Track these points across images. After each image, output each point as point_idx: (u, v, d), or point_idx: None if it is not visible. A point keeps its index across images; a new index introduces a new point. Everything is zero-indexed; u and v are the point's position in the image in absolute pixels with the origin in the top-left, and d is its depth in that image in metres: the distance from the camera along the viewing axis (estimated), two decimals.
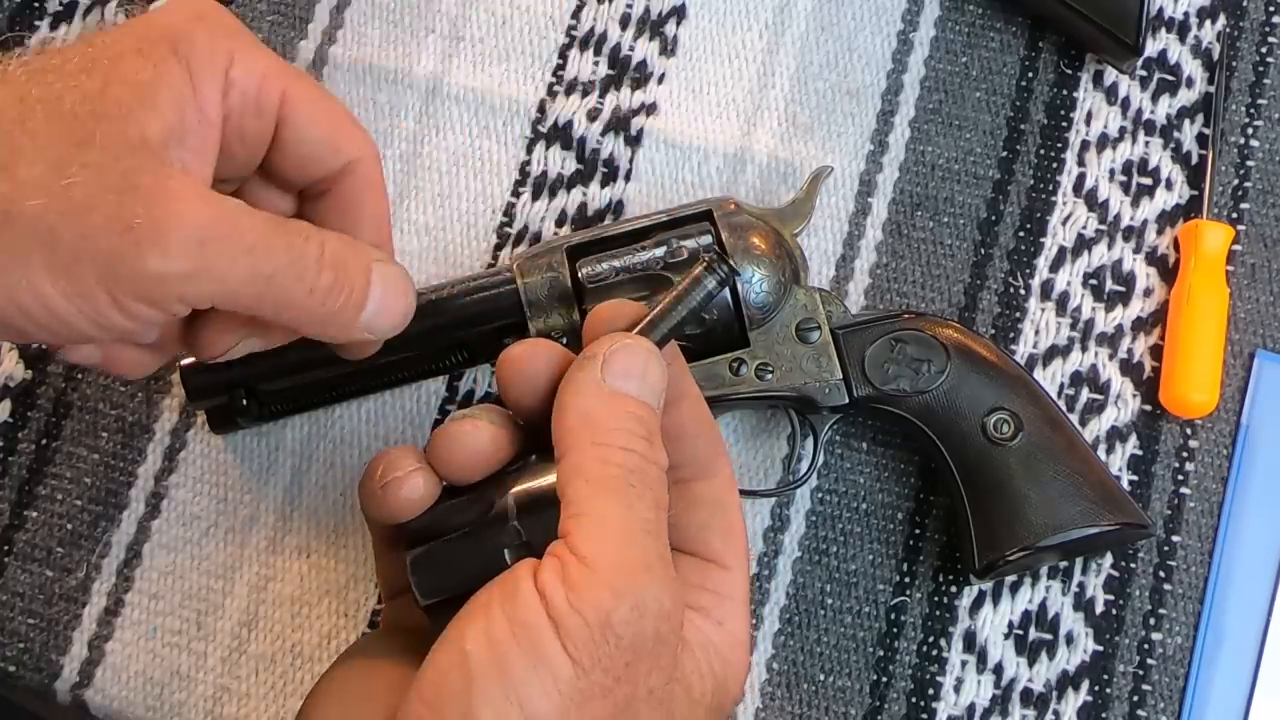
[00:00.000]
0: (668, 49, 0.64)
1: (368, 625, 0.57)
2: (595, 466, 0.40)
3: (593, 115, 0.63)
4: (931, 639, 0.56)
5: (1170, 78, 0.63)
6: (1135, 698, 0.55)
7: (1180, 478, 0.58)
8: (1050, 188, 0.62)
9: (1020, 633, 0.56)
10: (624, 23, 0.64)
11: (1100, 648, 0.56)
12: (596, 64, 0.64)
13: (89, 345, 0.45)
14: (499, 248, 0.61)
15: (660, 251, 0.54)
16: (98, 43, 0.42)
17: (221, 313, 0.44)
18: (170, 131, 0.41)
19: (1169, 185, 0.62)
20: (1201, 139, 0.62)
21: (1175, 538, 0.57)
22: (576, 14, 0.64)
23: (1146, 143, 0.62)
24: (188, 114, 0.41)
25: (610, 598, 0.38)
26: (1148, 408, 0.59)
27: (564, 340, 0.54)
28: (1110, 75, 0.63)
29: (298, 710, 0.44)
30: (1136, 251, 0.61)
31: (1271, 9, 0.64)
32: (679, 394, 0.44)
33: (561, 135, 0.63)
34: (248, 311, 0.43)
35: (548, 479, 0.41)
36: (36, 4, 0.65)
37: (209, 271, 0.40)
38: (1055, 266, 0.60)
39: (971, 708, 0.55)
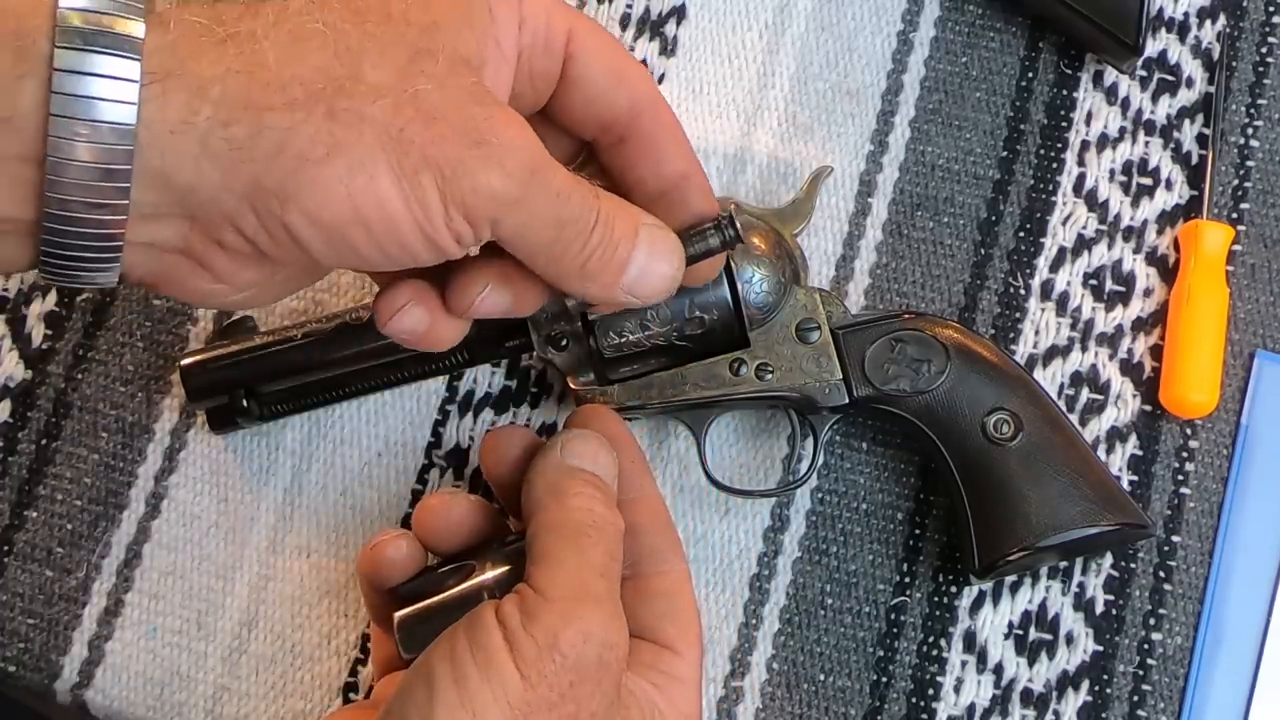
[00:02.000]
0: (668, 49, 0.64)
1: (368, 625, 0.57)
2: (556, 519, 0.46)
3: None
4: (931, 639, 0.56)
5: (1170, 78, 0.63)
6: (1135, 698, 0.55)
7: (1180, 478, 0.58)
8: (1050, 188, 0.62)
9: (1020, 633, 0.56)
10: (624, 23, 0.64)
11: (1100, 648, 0.56)
12: None
13: (418, 311, 0.45)
14: None
15: None
16: None
17: (477, 261, 0.45)
18: (483, 57, 0.41)
19: (1169, 185, 0.62)
20: (1201, 139, 0.62)
21: (1175, 538, 0.57)
22: None
23: (1146, 143, 0.62)
24: (489, 44, 0.42)
25: (559, 622, 0.42)
26: (1148, 408, 0.59)
27: (564, 342, 0.55)
28: (1110, 75, 0.63)
29: None
30: (1136, 251, 0.61)
31: (1271, 9, 0.64)
32: (637, 493, 0.50)
33: None
34: (530, 256, 0.43)
35: (520, 544, 0.47)
36: None
37: (530, 203, 0.41)
38: (1055, 266, 0.60)
39: (971, 708, 0.55)
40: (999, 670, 0.56)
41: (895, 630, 0.56)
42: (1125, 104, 0.63)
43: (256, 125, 0.38)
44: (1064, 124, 0.62)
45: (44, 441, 0.59)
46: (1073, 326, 0.60)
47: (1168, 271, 0.60)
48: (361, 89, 0.39)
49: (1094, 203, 0.61)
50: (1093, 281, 0.60)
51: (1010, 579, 0.57)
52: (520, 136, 0.41)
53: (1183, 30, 0.64)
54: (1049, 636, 0.56)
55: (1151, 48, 0.63)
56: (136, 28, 0.37)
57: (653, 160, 0.47)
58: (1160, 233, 0.61)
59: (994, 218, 0.61)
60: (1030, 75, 0.63)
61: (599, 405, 0.53)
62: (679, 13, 0.64)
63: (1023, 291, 0.60)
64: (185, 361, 0.55)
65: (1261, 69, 0.63)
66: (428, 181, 0.39)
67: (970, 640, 0.56)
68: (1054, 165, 0.62)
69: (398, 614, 0.47)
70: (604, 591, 0.44)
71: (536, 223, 0.42)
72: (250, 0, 0.40)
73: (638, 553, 0.48)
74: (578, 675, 0.42)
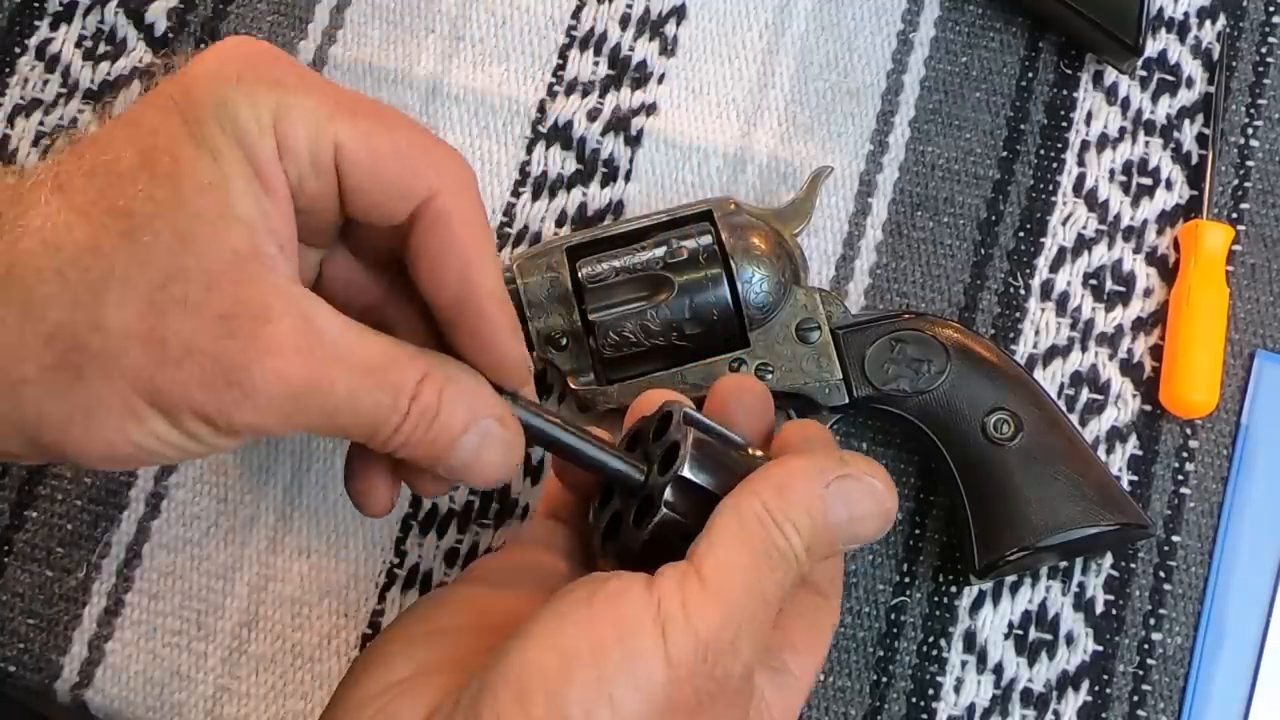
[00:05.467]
0: (668, 49, 0.64)
1: (368, 625, 0.57)
2: (753, 521, 0.41)
3: (593, 115, 0.63)
4: (931, 639, 0.56)
5: (1170, 78, 0.63)
6: (1135, 698, 0.55)
7: (1180, 478, 0.58)
8: (1050, 188, 0.62)
9: (1020, 633, 0.56)
10: (624, 23, 0.64)
11: (1100, 648, 0.56)
12: (596, 64, 0.64)
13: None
14: (499, 248, 0.61)
15: (660, 251, 0.54)
16: (144, 126, 0.39)
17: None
18: (254, 233, 0.38)
19: (1169, 185, 0.62)
20: (1201, 139, 0.62)
21: (1175, 538, 0.57)
22: (576, 14, 0.64)
23: (1146, 143, 0.62)
24: (261, 203, 0.39)
25: (719, 621, 0.38)
26: (1148, 408, 0.59)
27: (564, 341, 0.55)
28: (1110, 75, 0.63)
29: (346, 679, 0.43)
30: (1136, 251, 0.61)
31: (1271, 9, 0.64)
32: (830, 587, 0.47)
33: (561, 135, 0.63)
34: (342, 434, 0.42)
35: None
36: (36, 4, 0.65)
37: (298, 421, 0.39)
38: (1055, 266, 0.60)
39: (971, 708, 0.55)
40: (999, 670, 0.56)
41: (895, 630, 0.56)
42: (1125, 104, 0.63)
43: (14, 401, 0.38)
44: (1064, 124, 0.62)
45: None
46: (1073, 326, 0.60)
47: (1168, 271, 0.60)
48: (107, 342, 0.37)
49: (1094, 203, 0.61)
50: (1093, 281, 0.60)
51: (1010, 579, 0.57)
52: (285, 368, 0.38)
53: (1183, 30, 0.64)
54: (1049, 636, 0.56)
55: (1151, 48, 0.63)
56: None
57: (430, 281, 0.42)
58: (1160, 233, 0.61)
59: (994, 218, 0.61)
60: (1030, 75, 0.63)
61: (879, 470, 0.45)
62: (679, 13, 0.64)
63: (1023, 291, 0.60)
64: None
65: (1261, 69, 0.63)
66: (192, 421, 0.38)
67: (970, 640, 0.56)
68: (1054, 165, 0.62)
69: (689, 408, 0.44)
70: (763, 617, 0.40)
71: (320, 424, 0.40)
72: None
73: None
74: (720, 688, 0.39)
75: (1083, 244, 0.61)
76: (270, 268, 0.38)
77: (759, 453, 0.46)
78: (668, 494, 0.42)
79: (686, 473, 0.43)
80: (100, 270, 0.37)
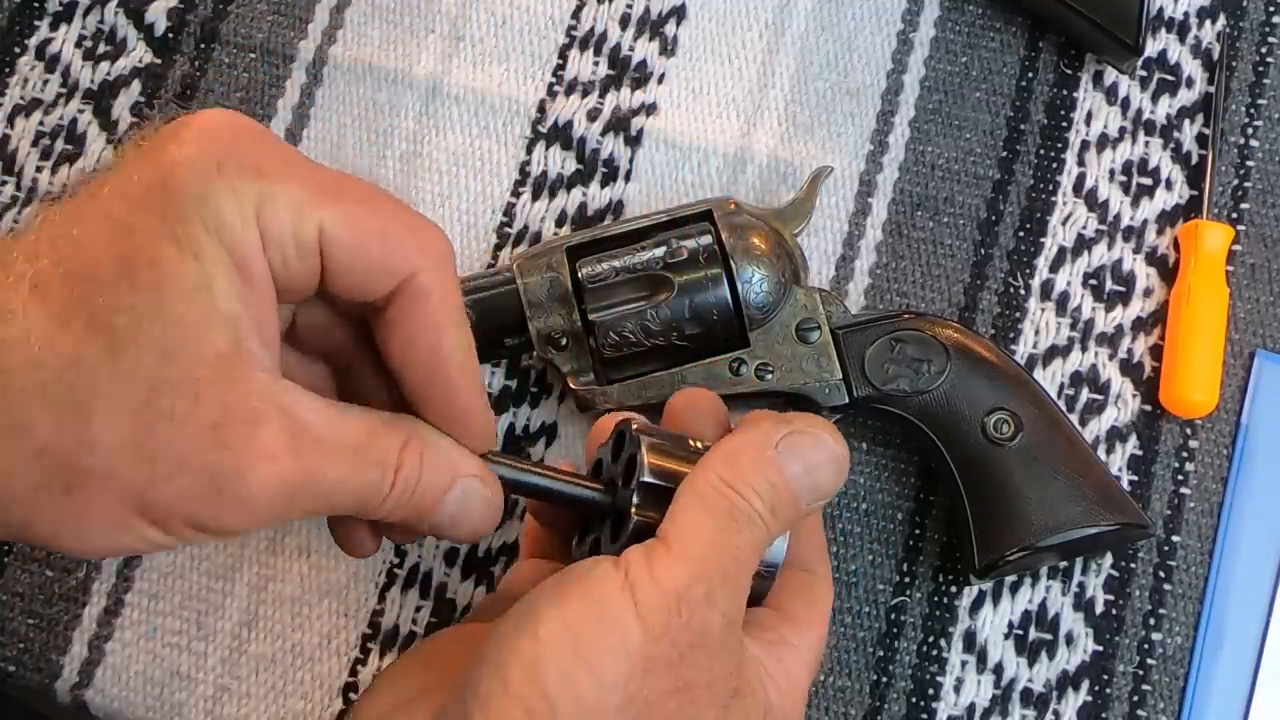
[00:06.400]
0: (668, 49, 0.64)
1: (368, 625, 0.57)
2: (710, 492, 0.42)
3: (593, 115, 0.63)
4: (931, 639, 0.56)
5: (1170, 78, 0.63)
6: (1135, 698, 0.55)
7: (1180, 478, 0.58)
8: (1050, 188, 0.62)
9: (1020, 633, 0.56)
10: (624, 23, 0.64)
11: (1100, 648, 0.56)
12: (596, 64, 0.64)
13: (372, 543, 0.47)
14: (499, 248, 0.61)
15: (660, 251, 0.54)
16: (122, 223, 0.38)
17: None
18: (237, 331, 0.38)
19: (1169, 185, 0.62)
20: (1201, 139, 0.62)
21: (1175, 538, 0.57)
22: (576, 14, 0.64)
23: (1146, 143, 0.62)
24: (244, 298, 0.39)
25: (687, 577, 0.39)
26: (1148, 408, 0.59)
27: (564, 341, 0.55)
28: (1110, 75, 0.63)
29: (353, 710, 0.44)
30: (1136, 251, 0.61)
31: (1271, 9, 0.64)
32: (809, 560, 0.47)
33: (561, 135, 0.63)
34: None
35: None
36: (36, 4, 0.65)
37: (292, 515, 0.40)
38: (1055, 266, 0.60)
39: (971, 708, 0.55)
40: (999, 670, 0.56)
41: (895, 630, 0.56)
42: (1125, 104, 0.63)
43: (2, 515, 0.38)
44: (1064, 124, 0.62)
45: None
46: (1073, 326, 0.60)
47: (1168, 271, 0.60)
48: (96, 459, 0.37)
49: (1094, 203, 0.61)
50: (1093, 281, 0.60)
51: (1010, 579, 0.57)
52: (275, 471, 0.38)
53: (1183, 30, 0.64)
54: (1049, 636, 0.56)
55: (1151, 48, 0.63)
56: None
57: (406, 345, 0.42)
58: (1160, 233, 0.61)
59: (994, 218, 0.61)
60: (1030, 75, 0.63)
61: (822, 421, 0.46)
62: (679, 13, 0.64)
63: (1023, 291, 0.60)
64: None
65: (1261, 69, 0.63)
66: (183, 528, 0.39)
67: (970, 640, 0.56)
68: (1054, 165, 0.62)
69: (630, 418, 0.45)
70: (734, 573, 0.41)
71: (312, 509, 0.40)
72: None
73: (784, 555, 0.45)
74: (700, 640, 0.39)
75: (1083, 244, 0.61)
76: (254, 365, 0.39)
77: None
78: (635, 501, 0.43)
79: (648, 478, 0.43)
80: (85, 387, 0.37)
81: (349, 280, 0.41)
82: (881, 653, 0.56)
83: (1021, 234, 0.61)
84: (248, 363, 0.39)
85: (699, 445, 0.46)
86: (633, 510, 0.43)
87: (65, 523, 0.38)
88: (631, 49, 0.64)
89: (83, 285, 0.37)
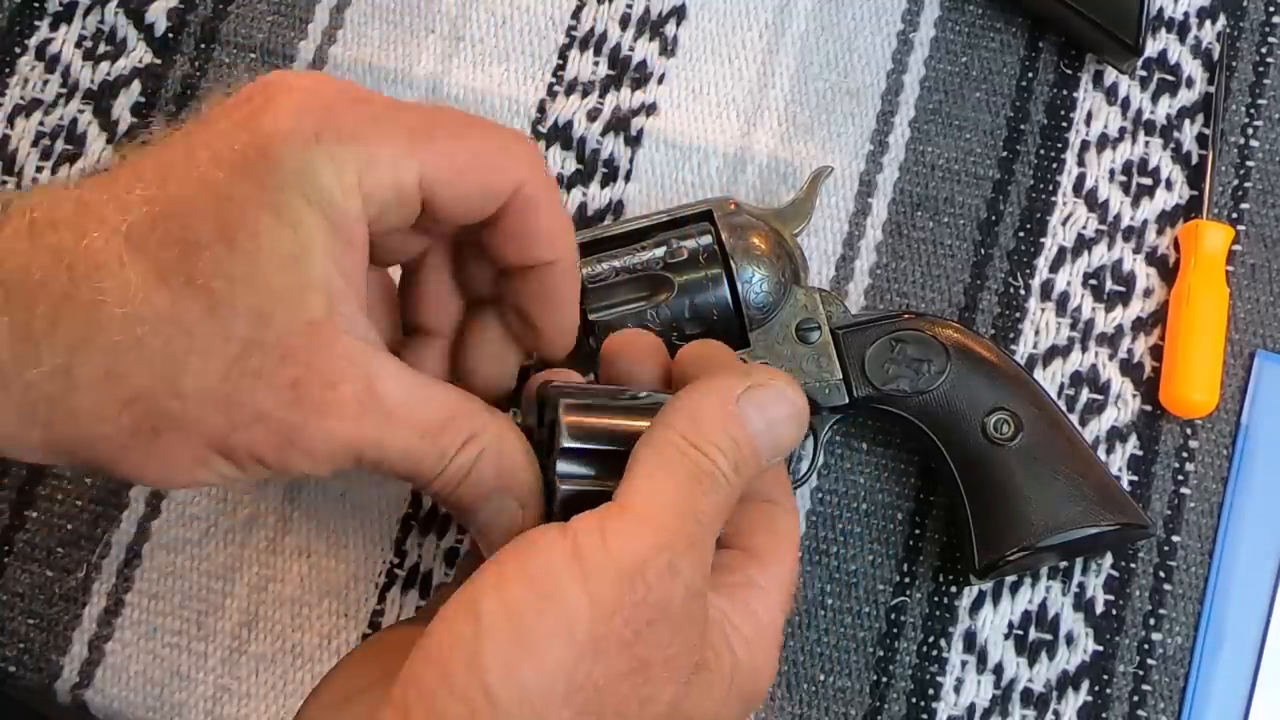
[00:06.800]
0: (668, 49, 0.64)
1: (368, 625, 0.57)
2: (672, 452, 0.39)
3: (593, 115, 0.63)
4: (931, 639, 0.56)
5: (1170, 78, 0.63)
6: (1135, 698, 0.55)
7: (1180, 478, 0.58)
8: (1050, 188, 0.62)
9: (1020, 633, 0.56)
10: (624, 23, 0.64)
11: (1100, 648, 0.56)
12: (596, 64, 0.64)
13: None
14: None
15: (660, 251, 0.54)
16: (218, 190, 0.39)
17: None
18: (330, 297, 0.40)
19: (1169, 185, 0.62)
20: (1201, 139, 0.62)
21: (1175, 538, 0.57)
22: (576, 14, 0.64)
23: (1146, 143, 0.62)
24: (340, 264, 0.40)
25: (649, 548, 0.37)
26: (1148, 408, 0.59)
27: None
28: (1110, 75, 0.63)
29: (303, 700, 0.43)
30: (1136, 251, 0.61)
31: (1271, 9, 0.64)
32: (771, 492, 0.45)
33: (561, 135, 0.63)
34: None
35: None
36: (36, 4, 0.65)
37: (347, 468, 0.41)
38: (1055, 266, 0.60)
39: (971, 708, 0.55)
40: (999, 670, 0.56)
41: (895, 630, 0.56)
42: (1125, 104, 0.63)
43: (90, 452, 0.40)
44: (1064, 124, 0.62)
45: None
46: (1073, 326, 0.60)
47: (1168, 271, 0.60)
48: (185, 407, 0.39)
49: (1094, 203, 0.61)
50: (1093, 281, 0.60)
51: (1010, 579, 0.57)
52: (341, 430, 0.40)
53: (1183, 30, 0.64)
54: (1049, 636, 0.56)
55: (1151, 48, 0.63)
56: None
57: (517, 247, 0.44)
58: (1160, 233, 0.61)
59: (994, 218, 0.61)
60: (1030, 75, 0.63)
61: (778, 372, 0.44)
62: (679, 13, 0.64)
63: (1023, 291, 0.60)
64: None
65: (1261, 69, 0.63)
66: (253, 465, 0.40)
67: (970, 640, 0.56)
68: (1054, 165, 0.62)
69: (542, 383, 0.43)
70: (700, 538, 0.38)
71: (370, 469, 0.41)
72: (79, 307, 0.38)
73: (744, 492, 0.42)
74: (660, 614, 0.36)
75: (1083, 244, 0.61)
76: (345, 329, 0.40)
77: (662, 394, 0.43)
78: (559, 469, 0.41)
79: (568, 442, 0.41)
80: (181, 341, 0.38)
81: (453, 210, 0.42)
82: (881, 653, 0.56)
83: (1021, 234, 0.61)
84: (337, 326, 0.40)
85: (639, 395, 0.43)
86: (557, 480, 0.41)
87: (150, 462, 0.40)
88: (631, 49, 0.64)
89: (180, 247, 0.38)
